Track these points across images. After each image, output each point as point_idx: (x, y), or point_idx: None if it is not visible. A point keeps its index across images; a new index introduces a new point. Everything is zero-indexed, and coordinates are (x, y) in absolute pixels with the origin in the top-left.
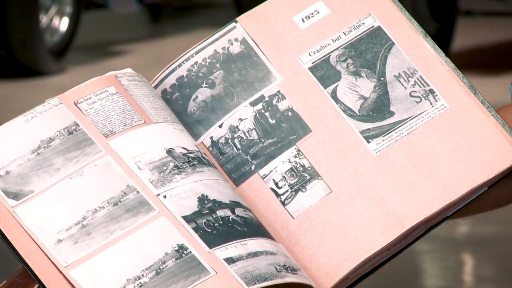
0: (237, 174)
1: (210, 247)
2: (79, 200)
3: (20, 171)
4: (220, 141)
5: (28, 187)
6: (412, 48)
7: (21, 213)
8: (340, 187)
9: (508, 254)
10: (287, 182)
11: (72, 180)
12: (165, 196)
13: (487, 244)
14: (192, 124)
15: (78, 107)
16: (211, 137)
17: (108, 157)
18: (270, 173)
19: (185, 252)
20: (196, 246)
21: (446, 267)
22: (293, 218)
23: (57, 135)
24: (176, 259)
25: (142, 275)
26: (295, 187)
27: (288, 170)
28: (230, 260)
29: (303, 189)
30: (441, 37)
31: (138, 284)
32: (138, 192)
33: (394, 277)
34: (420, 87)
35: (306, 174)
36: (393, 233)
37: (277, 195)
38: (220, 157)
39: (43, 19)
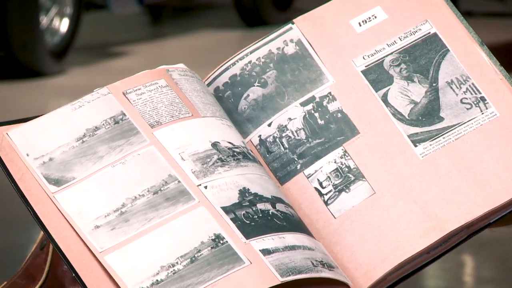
0: (283, 172)
1: (247, 238)
2: (120, 188)
3: (63, 158)
4: (268, 139)
5: (70, 174)
6: (467, 55)
7: (61, 199)
8: (383, 189)
9: (508, 255)
10: (331, 182)
11: (114, 168)
12: (206, 187)
13: (487, 245)
14: (241, 122)
15: (126, 97)
16: (260, 136)
17: (152, 147)
18: (315, 172)
19: (221, 242)
20: (233, 236)
21: (446, 268)
22: (335, 218)
23: (103, 124)
24: (212, 248)
25: (177, 262)
26: (339, 187)
27: (333, 170)
28: (266, 252)
29: (347, 190)
30: None
31: (172, 271)
32: (179, 181)
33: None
34: (472, 94)
35: (350, 175)
36: (433, 236)
37: (321, 194)
38: (267, 155)
39: (43, 20)
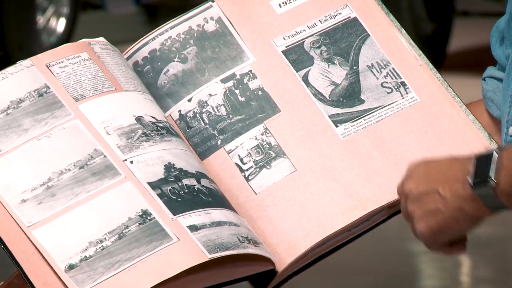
0: (203, 148)
1: (174, 214)
2: (45, 161)
3: None
4: (188, 114)
5: None
6: (387, 41)
7: None
8: (304, 167)
9: (505, 254)
10: (252, 158)
11: (39, 142)
12: (131, 162)
13: (484, 244)
14: (161, 97)
15: (49, 70)
16: (180, 111)
17: (77, 120)
18: (236, 148)
19: (148, 218)
20: (160, 212)
21: (443, 268)
22: (256, 194)
23: (27, 97)
24: (140, 224)
25: (105, 238)
26: (260, 163)
27: (254, 146)
28: (193, 228)
29: (268, 166)
30: (438, 37)
31: (100, 247)
32: (105, 156)
33: (392, 277)
34: (392, 78)
35: (271, 152)
36: (354, 215)
37: (241, 170)
38: (187, 130)
39: (40, 20)
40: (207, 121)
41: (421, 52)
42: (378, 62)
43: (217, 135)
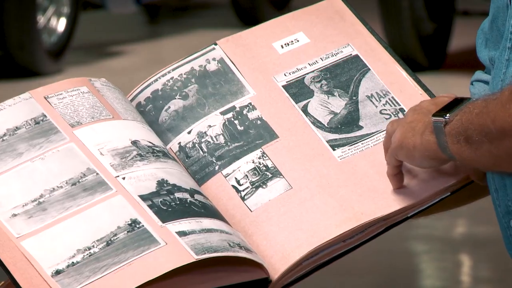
0: (201, 174)
1: (163, 222)
2: (38, 180)
3: None
4: (187, 145)
5: None
6: (387, 74)
7: None
8: (300, 185)
9: (505, 254)
10: (248, 180)
11: (33, 163)
12: (124, 178)
13: (484, 244)
14: (162, 132)
15: (47, 101)
16: (179, 143)
17: (71, 144)
18: (233, 172)
19: (137, 226)
20: (149, 220)
21: (443, 268)
22: (251, 211)
23: (24, 124)
24: (128, 232)
25: (93, 245)
26: (256, 184)
27: (251, 169)
28: (182, 233)
29: (264, 186)
30: (439, 37)
31: (88, 254)
32: (97, 174)
33: (391, 277)
34: (391, 106)
35: (268, 173)
36: (348, 225)
37: (238, 191)
38: (186, 160)
39: (41, 20)
40: (206, 150)
41: (419, 80)
42: (377, 92)
43: (215, 161)
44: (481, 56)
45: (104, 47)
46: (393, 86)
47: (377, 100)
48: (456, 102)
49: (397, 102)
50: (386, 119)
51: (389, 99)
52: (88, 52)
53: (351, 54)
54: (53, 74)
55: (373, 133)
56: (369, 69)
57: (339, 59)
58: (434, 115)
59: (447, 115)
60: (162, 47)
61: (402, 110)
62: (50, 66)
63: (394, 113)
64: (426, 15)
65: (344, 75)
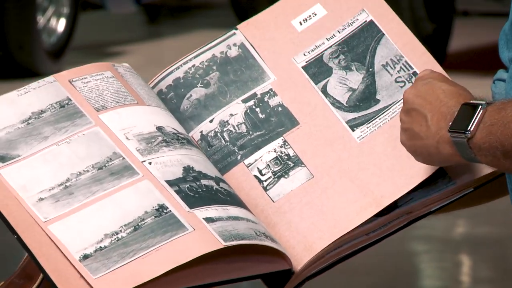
0: (223, 164)
1: (191, 208)
2: (64, 164)
3: (8, 138)
4: (209, 134)
5: (15, 152)
6: (400, 35)
7: (6, 174)
8: (322, 173)
9: (505, 254)
10: (270, 169)
11: (59, 147)
12: (150, 163)
13: (484, 244)
14: (183, 121)
15: (72, 84)
16: (201, 131)
17: (97, 128)
18: (255, 162)
19: (165, 211)
20: (177, 206)
21: (443, 268)
22: (274, 202)
23: (49, 108)
24: (156, 217)
25: (120, 230)
26: (278, 174)
27: (273, 158)
28: (210, 220)
29: (286, 176)
30: (438, 37)
31: (115, 239)
32: (123, 158)
33: (391, 277)
34: (405, 71)
35: (290, 162)
36: (369, 212)
37: (260, 181)
38: (208, 149)
39: (40, 20)
40: (228, 139)
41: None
42: (392, 59)
43: (237, 151)
44: (503, 57)
45: (104, 47)
46: (405, 47)
47: (392, 68)
48: (463, 113)
49: (410, 66)
50: (401, 87)
51: (403, 64)
52: (88, 52)
53: (366, 21)
54: (53, 74)
55: (389, 105)
56: (383, 34)
57: (355, 28)
58: (451, 134)
59: (466, 130)
60: (162, 47)
61: (415, 73)
62: (50, 66)
63: (408, 79)
64: (426, 15)
65: (361, 45)
